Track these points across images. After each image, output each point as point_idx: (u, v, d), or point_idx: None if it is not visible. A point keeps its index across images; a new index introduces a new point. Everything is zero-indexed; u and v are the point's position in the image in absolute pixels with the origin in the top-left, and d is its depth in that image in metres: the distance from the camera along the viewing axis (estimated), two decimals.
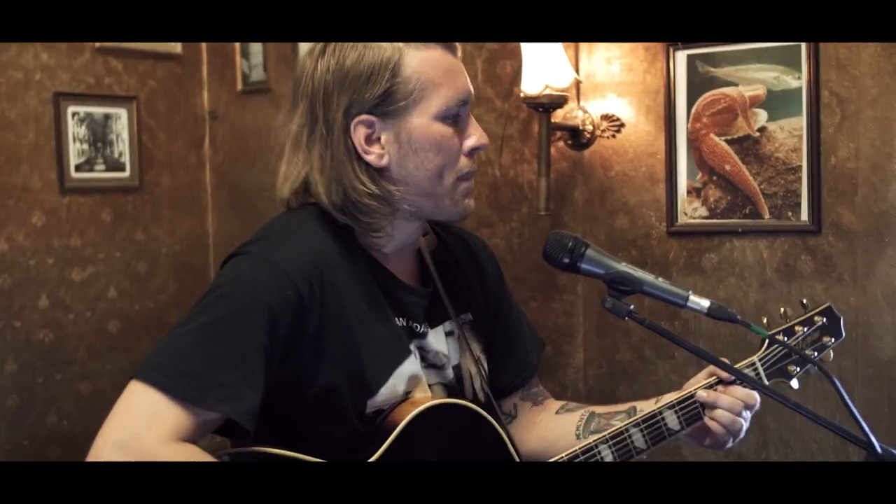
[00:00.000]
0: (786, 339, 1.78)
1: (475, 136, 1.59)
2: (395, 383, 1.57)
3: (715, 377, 1.70)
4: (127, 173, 3.46)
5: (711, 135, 2.75)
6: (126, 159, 3.45)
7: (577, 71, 2.91)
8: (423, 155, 1.55)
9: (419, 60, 1.54)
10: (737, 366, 1.70)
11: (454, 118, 1.56)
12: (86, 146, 3.33)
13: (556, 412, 1.86)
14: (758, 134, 2.68)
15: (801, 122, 2.60)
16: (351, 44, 1.54)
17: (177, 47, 3.58)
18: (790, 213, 2.65)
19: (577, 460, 1.63)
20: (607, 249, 2.89)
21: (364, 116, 1.53)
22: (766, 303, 2.69)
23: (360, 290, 1.55)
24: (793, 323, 1.80)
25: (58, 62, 3.25)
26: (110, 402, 3.32)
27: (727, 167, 2.73)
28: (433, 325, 1.68)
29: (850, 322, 2.58)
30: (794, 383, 1.77)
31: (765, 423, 2.74)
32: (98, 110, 3.36)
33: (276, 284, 1.45)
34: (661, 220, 2.86)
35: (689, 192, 2.80)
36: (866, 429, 1.32)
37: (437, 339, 1.68)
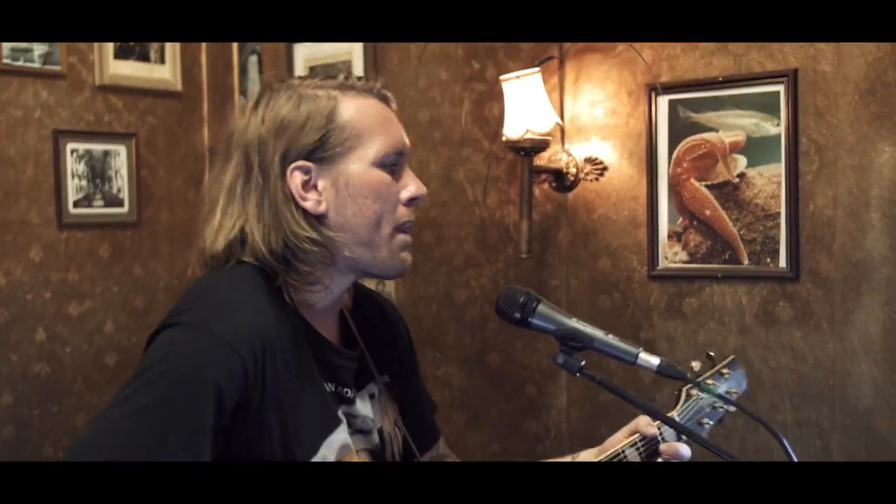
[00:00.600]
0: (699, 394, 1.76)
1: (413, 187, 1.53)
2: (326, 454, 1.49)
3: (638, 434, 1.66)
4: (125, 209, 3.46)
5: (692, 180, 2.70)
6: (125, 195, 3.45)
7: (561, 113, 2.87)
8: (361, 201, 1.50)
9: (354, 108, 1.49)
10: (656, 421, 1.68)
11: (391, 167, 1.51)
12: (84, 182, 3.33)
13: None
14: (737, 180, 2.63)
15: (780, 168, 2.55)
16: (285, 95, 1.50)
17: (177, 84, 3.58)
18: (769, 260, 2.59)
19: None
20: (590, 292, 2.91)
21: (301, 162, 1.48)
22: (746, 349, 2.64)
23: (294, 356, 1.46)
24: (704, 377, 1.78)
25: (58, 100, 3.25)
26: None
27: (707, 212, 2.68)
28: (359, 389, 1.61)
29: (827, 370, 2.53)
30: (704, 433, 1.76)
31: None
32: (97, 147, 3.36)
33: (221, 359, 1.33)
34: (642, 263, 2.81)
35: (669, 237, 2.75)
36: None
37: (364, 404, 1.61)
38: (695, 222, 2.70)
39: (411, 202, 1.54)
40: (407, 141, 1.56)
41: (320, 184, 1.50)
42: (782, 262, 2.57)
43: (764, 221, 2.59)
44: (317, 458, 1.48)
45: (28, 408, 3.19)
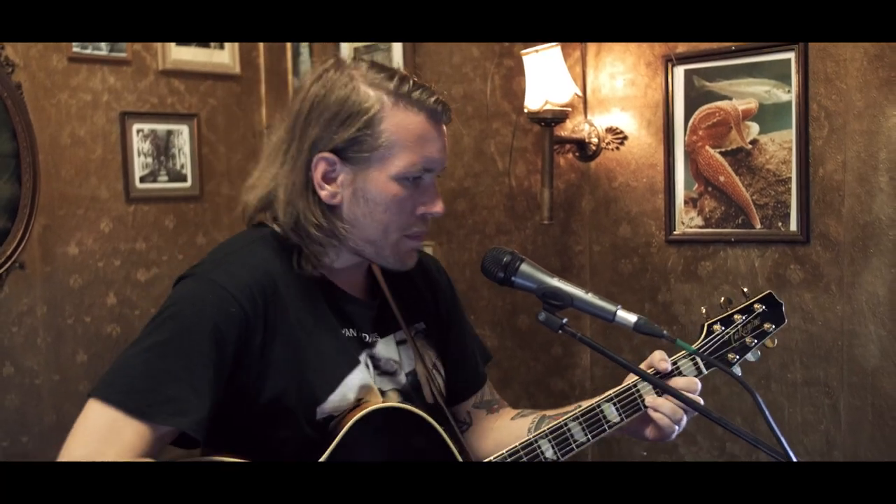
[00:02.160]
0: (724, 328, 1.68)
1: (430, 205, 1.52)
2: (345, 392, 1.51)
3: (652, 369, 1.62)
4: (188, 183, 3.49)
5: (707, 147, 2.60)
6: (188, 171, 3.48)
7: (584, 86, 2.79)
8: (373, 207, 1.49)
9: (396, 121, 1.47)
10: (675, 356, 1.63)
11: (413, 181, 1.49)
12: (150, 159, 3.37)
13: (513, 418, 1.78)
14: (750, 146, 2.52)
15: (791, 134, 2.44)
16: (343, 81, 1.49)
17: (236, 68, 3.59)
18: (780, 224, 2.49)
19: (517, 456, 1.55)
20: (611, 257, 2.84)
21: (328, 154, 1.48)
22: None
23: (306, 304, 1.50)
24: (732, 312, 1.69)
25: (124, 84, 3.29)
26: None
27: (721, 178, 2.58)
28: (383, 335, 1.62)
29: (836, 331, 2.42)
30: (737, 370, 1.65)
31: (756, 427, 2.58)
32: (161, 127, 3.40)
33: (219, 303, 1.41)
34: (660, 228, 2.73)
35: (686, 203, 2.66)
36: (785, 445, 1.27)
37: (388, 348, 1.62)
38: (709, 188, 2.61)
39: (424, 216, 1.53)
40: (442, 159, 1.52)
41: (340, 178, 1.49)
42: (793, 226, 2.46)
43: (775, 186, 2.49)
44: (335, 396, 1.50)
45: (101, 365, 3.24)
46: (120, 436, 1.32)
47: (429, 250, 3.23)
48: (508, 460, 1.56)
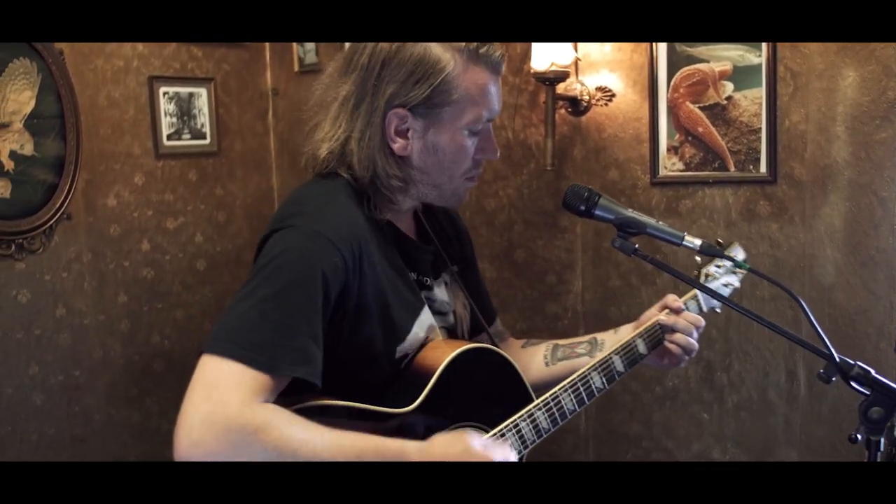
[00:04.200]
0: (715, 272, 1.86)
1: (488, 150, 1.51)
2: (417, 330, 1.51)
3: (667, 309, 1.71)
4: (208, 141, 3.46)
5: (687, 102, 2.74)
6: (207, 129, 3.45)
7: (576, 50, 2.89)
8: (442, 157, 1.47)
9: (469, 79, 1.43)
10: (683, 297, 1.75)
11: (478, 132, 1.49)
12: (174, 119, 3.33)
13: (522, 346, 1.83)
14: (725, 102, 2.67)
15: (761, 92, 2.59)
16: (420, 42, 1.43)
17: None
18: (751, 167, 2.65)
19: (575, 386, 1.58)
20: None
21: (401, 110, 1.43)
22: (732, 239, 2.69)
23: (382, 251, 1.47)
24: (715, 261, 1.86)
25: (150, 51, 3.23)
26: (200, 326, 3.37)
27: (700, 129, 2.73)
28: (436, 278, 1.62)
29: (799, 254, 2.61)
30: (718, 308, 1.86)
31: (728, 336, 2.77)
32: (184, 90, 3.35)
33: (326, 254, 1.34)
34: (645, 172, 2.86)
35: (668, 150, 2.80)
36: (827, 341, 1.34)
37: (440, 289, 1.63)
38: (689, 138, 2.75)
39: (481, 162, 1.53)
40: (499, 107, 1.50)
41: (411, 131, 1.46)
42: (763, 169, 2.62)
43: (747, 135, 2.64)
44: (411, 334, 1.49)
45: (139, 305, 3.24)
46: (243, 388, 1.23)
47: None
48: (570, 390, 1.57)
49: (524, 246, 3.15)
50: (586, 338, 1.78)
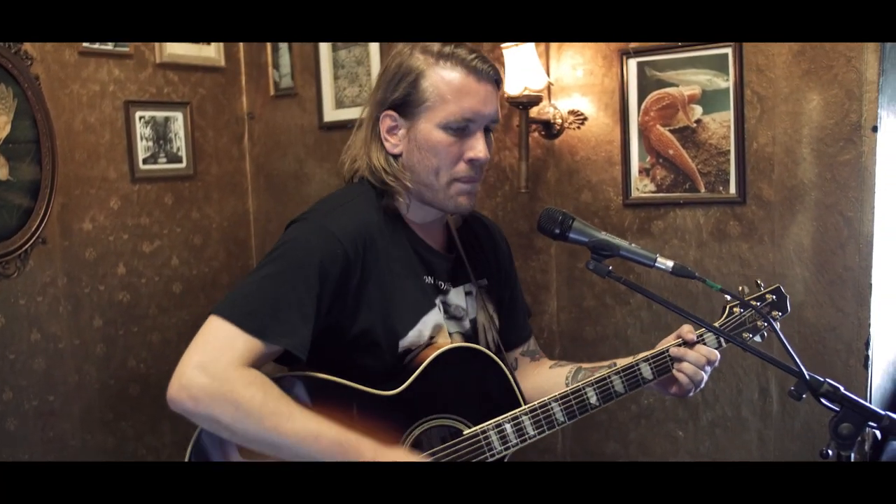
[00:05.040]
0: (742, 311, 1.79)
1: (475, 150, 1.55)
2: (421, 329, 1.59)
3: (681, 339, 1.71)
4: (184, 164, 3.46)
5: (658, 126, 2.78)
6: (183, 153, 3.45)
7: (548, 75, 2.93)
8: (424, 153, 1.56)
9: (438, 77, 1.53)
10: (699, 331, 1.71)
11: (456, 130, 1.54)
12: (150, 143, 3.33)
13: (550, 367, 1.87)
14: (695, 125, 2.72)
15: (729, 115, 2.64)
16: (402, 56, 1.57)
17: (221, 62, 3.57)
18: (721, 188, 2.69)
19: (567, 398, 1.61)
20: None
21: (390, 111, 1.58)
22: (703, 259, 2.75)
23: (397, 252, 1.58)
24: (749, 298, 1.80)
25: (127, 76, 3.23)
26: (177, 349, 3.35)
27: (671, 151, 2.77)
28: (455, 285, 1.69)
29: (769, 273, 2.64)
30: (758, 339, 1.81)
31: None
32: (160, 114, 3.35)
33: (326, 244, 1.48)
34: (617, 194, 2.89)
35: (640, 172, 2.84)
36: (797, 359, 1.37)
37: (458, 296, 1.70)
38: (660, 160, 2.80)
39: (471, 161, 1.56)
40: (481, 109, 1.54)
41: (400, 132, 1.58)
42: (732, 190, 2.67)
43: (717, 157, 2.69)
44: (413, 332, 1.58)
45: (115, 329, 3.22)
46: (234, 347, 1.38)
47: None
48: (560, 401, 1.61)
49: None
50: (607, 362, 1.78)
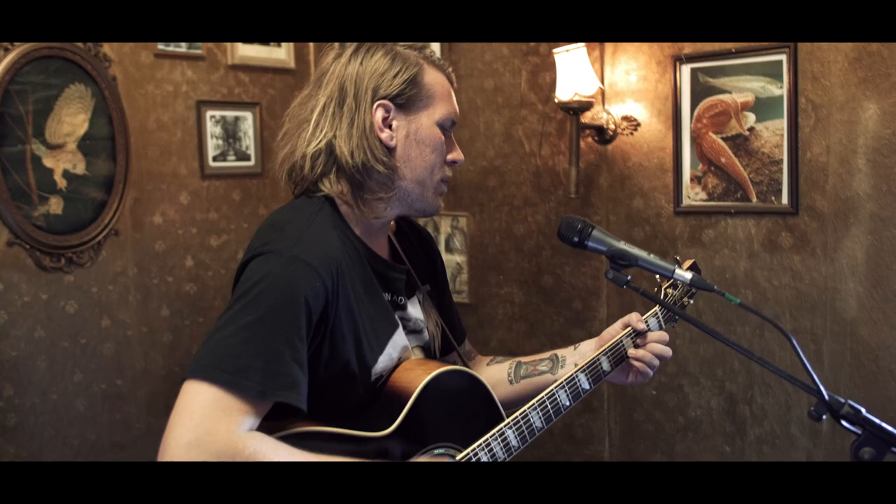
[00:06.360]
0: (673, 290, 1.83)
1: (456, 153, 1.59)
2: (391, 352, 1.53)
3: (630, 328, 1.71)
4: (252, 162, 3.59)
5: (710, 133, 2.73)
6: (251, 151, 3.58)
7: (602, 81, 2.92)
8: (423, 148, 1.53)
9: (433, 76, 1.54)
10: (645, 315, 1.74)
11: (446, 131, 1.56)
12: (220, 141, 3.47)
13: (487, 364, 1.85)
14: (748, 133, 2.66)
15: (783, 123, 2.57)
16: (383, 50, 1.52)
17: (290, 63, 3.68)
18: (773, 198, 2.63)
19: (544, 405, 1.59)
20: (626, 225, 2.97)
21: (385, 102, 1.50)
22: (753, 271, 2.69)
23: (357, 272, 1.48)
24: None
25: (199, 77, 3.37)
26: None
27: (723, 159, 2.72)
28: (409, 296, 1.64)
29: (820, 287, 2.57)
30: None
31: (751, 368, 2.74)
32: (230, 114, 3.49)
33: (307, 279, 1.34)
34: (669, 201, 2.86)
35: (691, 180, 2.80)
36: (815, 377, 1.30)
37: (414, 308, 1.64)
38: (712, 168, 2.75)
39: (453, 163, 1.58)
40: (457, 114, 1.59)
41: (394, 124, 1.52)
42: (784, 200, 2.60)
43: (769, 167, 2.63)
44: (384, 356, 1.50)
45: (181, 318, 3.37)
46: (229, 415, 1.23)
47: (462, 220, 3.36)
48: (536, 407, 1.58)
49: (552, 272, 3.17)
50: (547, 354, 1.79)
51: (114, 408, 3.15)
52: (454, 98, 1.59)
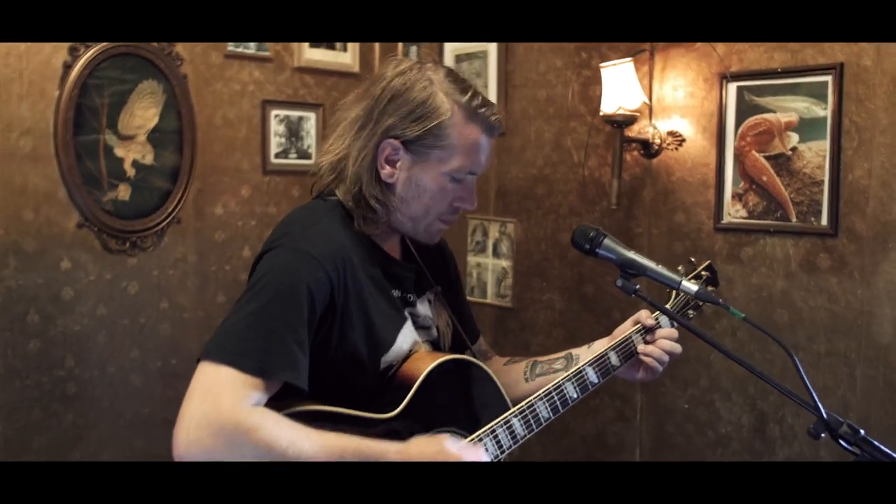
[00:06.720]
0: (683, 293, 1.74)
1: (465, 201, 1.60)
2: (401, 342, 1.59)
3: (640, 325, 1.76)
4: (313, 160, 3.71)
5: (753, 151, 2.74)
6: (313, 150, 3.72)
7: (650, 96, 2.95)
8: (422, 193, 1.56)
9: (461, 130, 1.54)
10: (655, 312, 1.77)
11: (458, 180, 1.58)
12: (283, 139, 3.62)
13: (504, 364, 1.89)
14: (790, 152, 2.65)
15: (826, 144, 2.56)
16: (423, 83, 1.54)
17: (355, 67, 3.81)
18: (813, 219, 2.62)
19: (549, 395, 1.64)
20: (667, 239, 3.00)
21: (394, 141, 1.53)
22: (790, 291, 2.68)
23: (367, 269, 1.56)
24: (690, 277, 1.86)
25: (266, 77, 3.53)
26: None
27: (764, 178, 2.72)
28: (419, 295, 1.70)
29: (856, 311, 2.54)
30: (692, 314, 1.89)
31: None
32: (294, 113, 3.64)
33: (311, 270, 1.44)
34: (710, 217, 2.87)
35: (733, 197, 2.80)
36: (815, 396, 1.33)
37: (423, 306, 1.71)
38: (754, 186, 2.75)
39: (458, 209, 1.62)
40: (485, 165, 1.60)
41: (399, 164, 1.55)
42: (824, 221, 2.59)
43: (810, 187, 2.62)
44: (395, 346, 1.57)
45: None
46: (237, 392, 1.32)
47: (510, 227, 3.43)
48: (543, 398, 1.64)
49: (593, 281, 3.21)
50: (562, 354, 1.84)
51: (168, 385, 3.32)
52: (483, 150, 1.57)
